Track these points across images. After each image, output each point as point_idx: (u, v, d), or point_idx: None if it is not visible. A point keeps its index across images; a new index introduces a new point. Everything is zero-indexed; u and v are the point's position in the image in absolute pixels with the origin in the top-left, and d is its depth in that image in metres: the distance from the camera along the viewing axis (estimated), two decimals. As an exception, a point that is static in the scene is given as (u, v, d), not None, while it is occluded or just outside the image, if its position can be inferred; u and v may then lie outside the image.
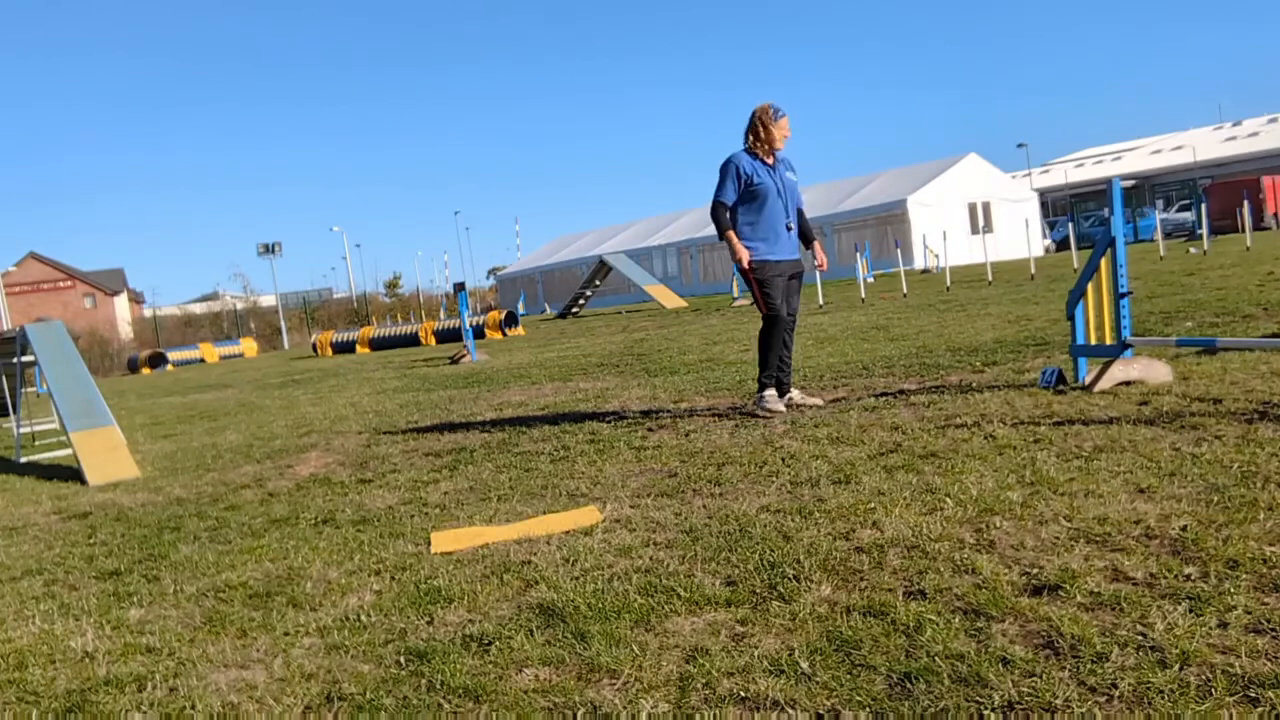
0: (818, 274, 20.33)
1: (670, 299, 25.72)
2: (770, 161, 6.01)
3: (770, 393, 6.01)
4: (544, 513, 4.21)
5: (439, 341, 22.91)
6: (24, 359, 8.49)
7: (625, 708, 2.28)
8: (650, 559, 3.33)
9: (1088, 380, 5.53)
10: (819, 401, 6.11)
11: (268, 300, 50.53)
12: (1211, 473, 3.55)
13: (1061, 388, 5.58)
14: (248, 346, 34.96)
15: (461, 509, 4.48)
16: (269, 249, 44.01)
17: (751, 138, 6.01)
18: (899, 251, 24.26)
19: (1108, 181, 6.00)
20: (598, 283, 28.89)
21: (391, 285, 71.60)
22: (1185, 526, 3.01)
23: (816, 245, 6.22)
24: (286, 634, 3.04)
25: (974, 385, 6.07)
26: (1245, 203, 24.97)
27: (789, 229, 6.04)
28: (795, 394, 6.16)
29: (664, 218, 45.70)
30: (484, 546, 3.75)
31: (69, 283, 63.59)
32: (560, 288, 42.53)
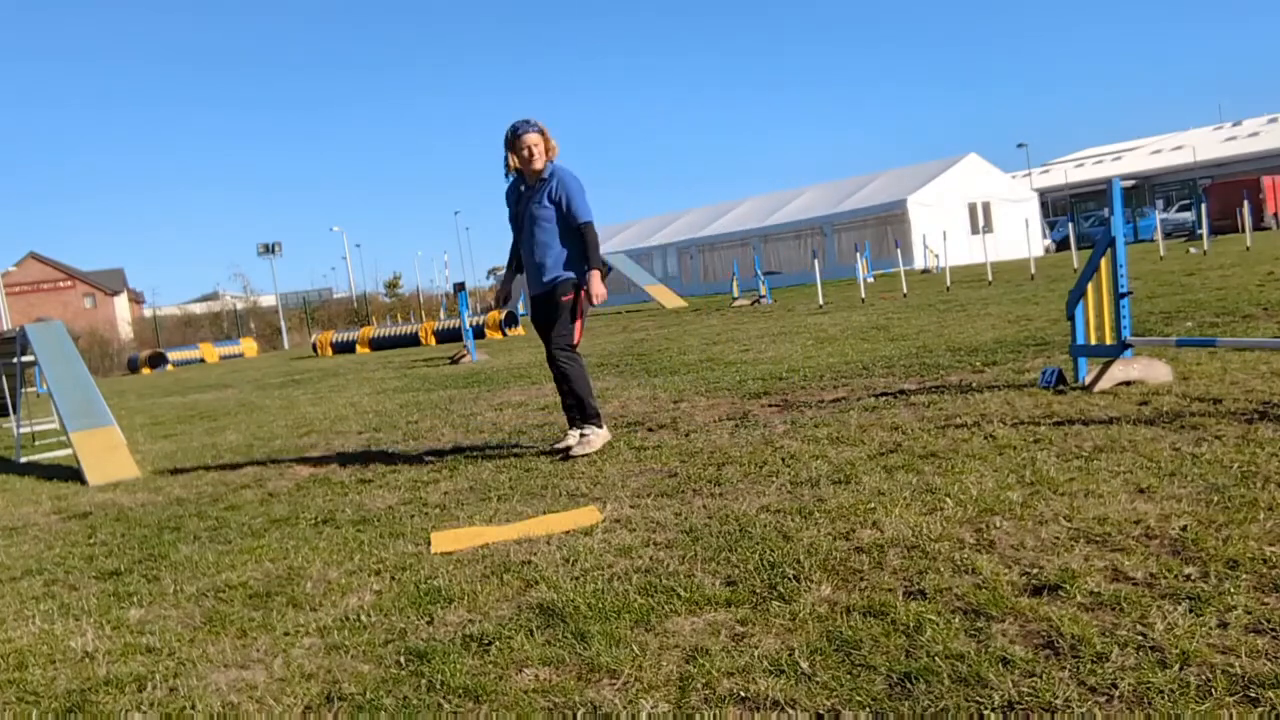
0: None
1: (670, 299, 25.72)
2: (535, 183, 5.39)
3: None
4: (544, 513, 4.21)
5: (439, 341, 22.91)
6: (24, 359, 8.49)
7: (625, 708, 2.28)
8: (650, 559, 3.33)
9: (1088, 380, 5.53)
10: (571, 441, 5.50)
11: (268, 300, 50.50)
12: (1211, 473, 3.55)
13: (1061, 388, 5.58)
14: (248, 346, 34.93)
15: (461, 509, 4.48)
16: (269, 249, 44.00)
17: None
18: (899, 251, 24.26)
19: (1108, 181, 6.00)
20: (598, 283, 28.87)
21: (391, 285, 71.53)
22: (1185, 526, 3.01)
23: (591, 275, 5.37)
24: (286, 634, 3.04)
25: (974, 385, 6.07)
26: (1245, 203, 24.97)
27: (535, 259, 5.44)
28: (571, 436, 5.55)
29: (664, 218, 45.71)
30: (484, 546, 3.75)
31: (69, 283, 63.59)
32: (560, 288, 42.45)
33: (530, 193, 5.40)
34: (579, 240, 5.42)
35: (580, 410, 5.51)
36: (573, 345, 5.51)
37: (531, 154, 5.28)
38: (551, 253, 5.42)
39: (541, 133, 5.30)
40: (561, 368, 5.52)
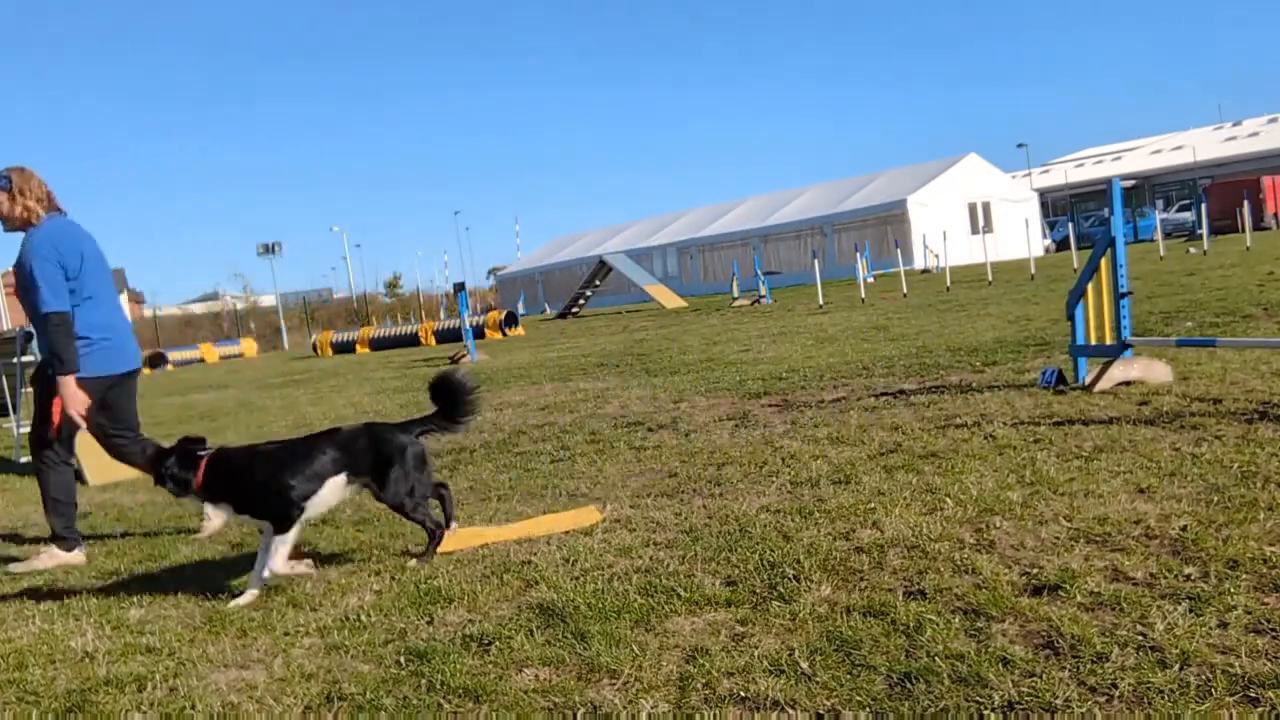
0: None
1: (670, 299, 25.73)
2: None
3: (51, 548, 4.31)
4: (544, 513, 4.21)
5: (439, 341, 22.91)
6: (24, 359, 8.50)
7: (625, 708, 2.28)
8: (650, 559, 3.33)
9: (1088, 380, 5.53)
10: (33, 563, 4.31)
11: (268, 300, 50.60)
12: (1211, 473, 3.55)
13: (1061, 388, 5.58)
14: (248, 346, 34.95)
15: (461, 509, 4.47)
16: (269, 249, 44.09)
17: None
18: (899, 251, 24.27)
19: (1108, 181, 6.00)
20: (598, 283, 28.90)
21: (391, 285, 71.58)
22: (1185, 526, 3.01)
23: (60, 383, 4.15)
24: (286, 634, 3.04)
25: (974, 385, 6.07)
26: (1245, 203, 24.96)
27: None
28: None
29: (664, 218, 45.73)
30: (484, 546, 3.75)
31: (69, 283, 63.52)
32: (560, 288, 42.51)
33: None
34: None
35: (50, 524, 4.36)
36: (46, 444, 4.34)
37: None
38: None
39: (9, 191, 4.18)
40: (36, 469, 4.44)
